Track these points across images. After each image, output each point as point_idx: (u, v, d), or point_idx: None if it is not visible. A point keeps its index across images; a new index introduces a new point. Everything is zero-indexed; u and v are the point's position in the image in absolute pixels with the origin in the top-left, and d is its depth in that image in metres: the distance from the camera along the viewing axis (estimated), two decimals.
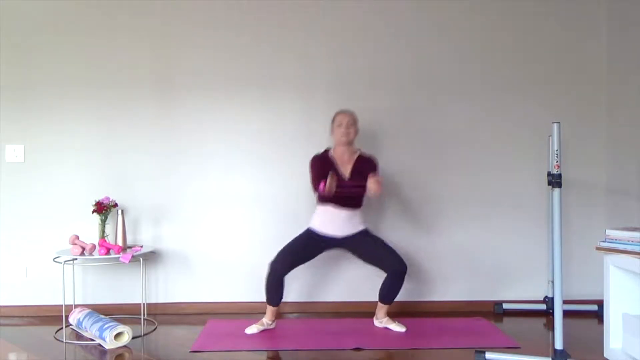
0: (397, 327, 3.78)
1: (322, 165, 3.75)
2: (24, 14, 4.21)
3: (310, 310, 4.26)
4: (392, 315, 3.88)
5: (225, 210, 4.29)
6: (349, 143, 3.80)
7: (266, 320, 3.79)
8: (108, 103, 4.24)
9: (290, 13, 4.28)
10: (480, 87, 4.34)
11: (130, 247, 3.97)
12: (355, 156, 3.84)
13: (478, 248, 4.33)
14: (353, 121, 3.81)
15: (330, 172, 3.55)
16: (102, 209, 3.97)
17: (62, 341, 3.64)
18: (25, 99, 4.22)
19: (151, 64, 4.25)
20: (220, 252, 4.29)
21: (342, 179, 3.72)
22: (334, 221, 3.75)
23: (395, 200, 4.30)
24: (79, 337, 3.73)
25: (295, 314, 4.24)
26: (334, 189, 3.52)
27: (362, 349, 3.43)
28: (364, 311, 4.06)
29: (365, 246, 3.81)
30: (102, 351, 3.47)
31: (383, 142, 4.30)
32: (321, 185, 3.52)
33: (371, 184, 3.53)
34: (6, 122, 4.21)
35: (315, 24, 4.29)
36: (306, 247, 3.78)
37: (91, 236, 4.10)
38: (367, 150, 3.92)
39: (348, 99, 4.22)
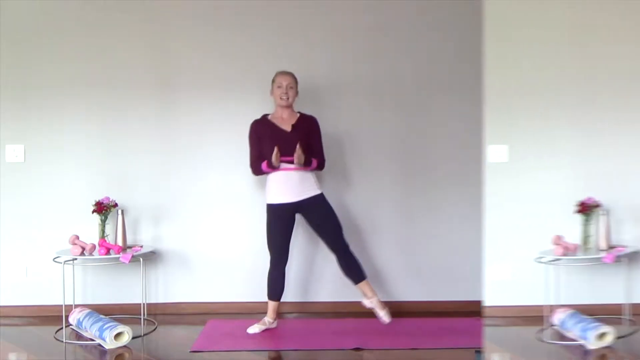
0: (383, 315, 3.80)
1: (262, 133, 3.74)
2: (24, 14, 4.21)
3: (310, 310, 4.25)
4: (393, 315, 3.87)
5: (225, 210, 4.29)
6: (288, 106, 3.80)
7: (268, 319, 3.79)
8: (108, 103, 4.24)
9: (289, 13, 4.27)
10: (479, 88, 4.33)
11: (130, 247, 3.96)
12: (297, 116, 3.85)
13: (478, 248, 4.33)
14: (293, 83, 3.80)
15: (275, 149, 3.55)
16: (102, 209, 3.96)
17: (62, 341, 3.64)
18: (25, 99, 4.21)
19: (151, 64, 4.25)
20: (220, 252, 4.29)
21: (284, 136, 3.70)
22: (286, 185, 3.70)
23: (396, 200, 4.30)
24: (79, 337, 3.73)
25: (295, 314, 4.24)
26: (279, 163, 3.56)
27: (362, 349, 3.43)
28: (364, 311, 4.05)
29: (317, 214, 3.78)
30: (102, 351, 3.47)
31: (384, 141, 4.29)
32: (264, 165, 3.58)
33: (296, 151, 3.57)
34: (6, 122, 4.20)
35: (314, 25, 4.29)
36: (278, 226, 3.75)
37: (91, 236, 4.08)
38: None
39: (348, 99, 4.23)
